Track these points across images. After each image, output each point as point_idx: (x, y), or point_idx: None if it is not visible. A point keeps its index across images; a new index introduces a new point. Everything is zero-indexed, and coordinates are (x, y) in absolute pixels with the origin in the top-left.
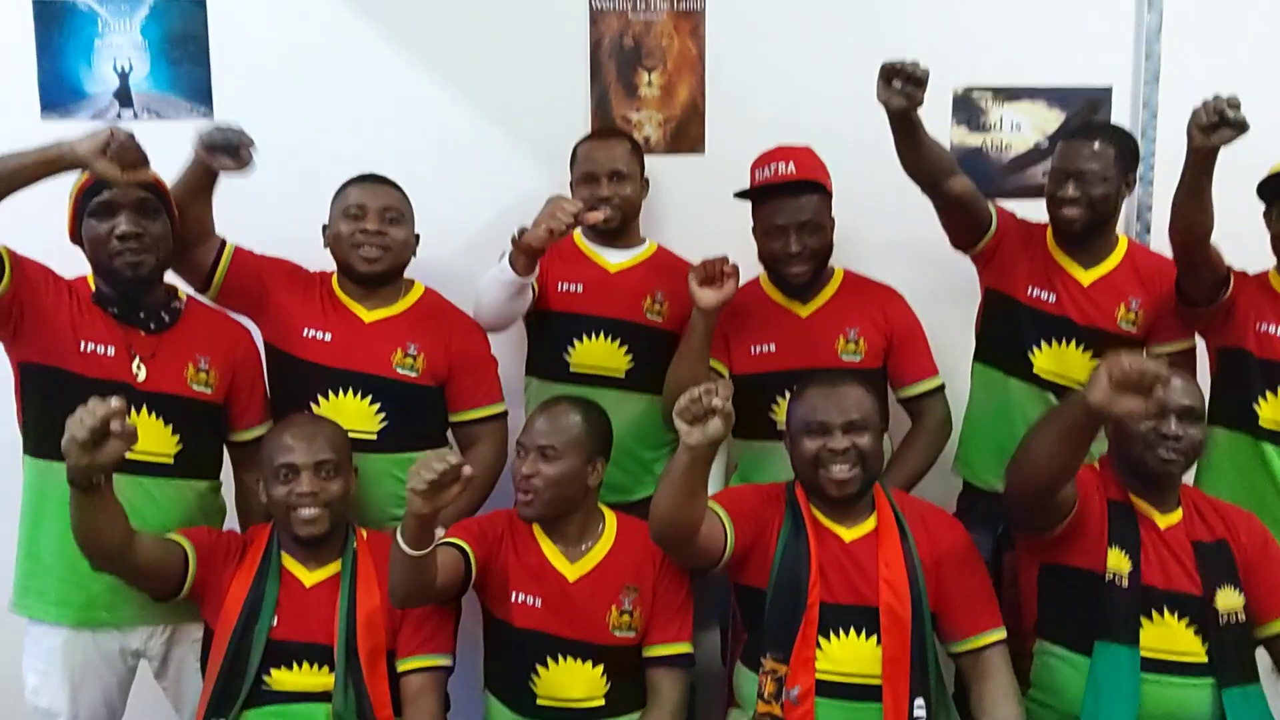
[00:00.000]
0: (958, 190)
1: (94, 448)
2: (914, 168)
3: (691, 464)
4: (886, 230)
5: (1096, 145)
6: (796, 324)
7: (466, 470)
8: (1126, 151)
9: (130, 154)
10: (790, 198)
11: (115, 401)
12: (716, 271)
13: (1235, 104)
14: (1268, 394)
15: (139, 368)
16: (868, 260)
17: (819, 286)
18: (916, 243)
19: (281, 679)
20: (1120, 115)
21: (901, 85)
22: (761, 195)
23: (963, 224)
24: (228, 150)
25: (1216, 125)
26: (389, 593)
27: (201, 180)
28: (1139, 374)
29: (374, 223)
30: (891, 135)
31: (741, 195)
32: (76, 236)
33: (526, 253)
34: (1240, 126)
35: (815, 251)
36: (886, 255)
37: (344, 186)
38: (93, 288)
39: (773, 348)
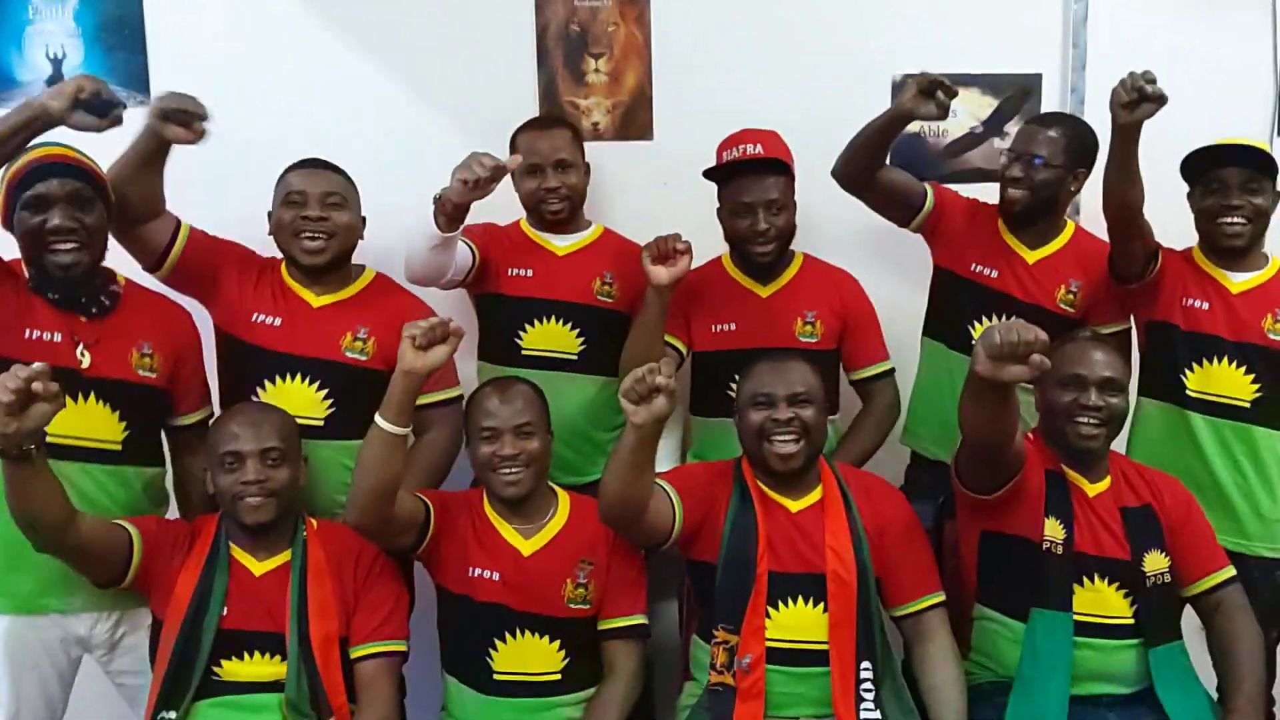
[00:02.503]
0: (884, 181)
1: (19, 412)
2: (863, 168)
3: (638, 442)
4: (833, 213)
5: (1051, 133)
6: (757, 304)
7: (454, 324)
8: (1080, 145)
9: (104, 102)
10: (756, 177)
11: (38, 364)
12: (669, 249)
13: (1151, 79)
14: (1194, 365)
15: (83, 354)
16: (816, 243)
17: (780, 268)
18: (861, 225)
19: (233, 669)
20: (1050, 101)
21: (946, 97)
22: (728, 175)
23: (892, 207)
24: (180, 119)
25: (1137, 101)
26: (348, 505)
27: (153, 151)
28: (1010, 347)
29: (315, 209)
30: (866, 136)
31: (709, 175)
32: (8, 225)
33: (446, 210)
34: (1159, 99)
35: (781, 230)
36: (833, 237)
37: (285, 173)
38: (28, 274)
39: (733, 327)
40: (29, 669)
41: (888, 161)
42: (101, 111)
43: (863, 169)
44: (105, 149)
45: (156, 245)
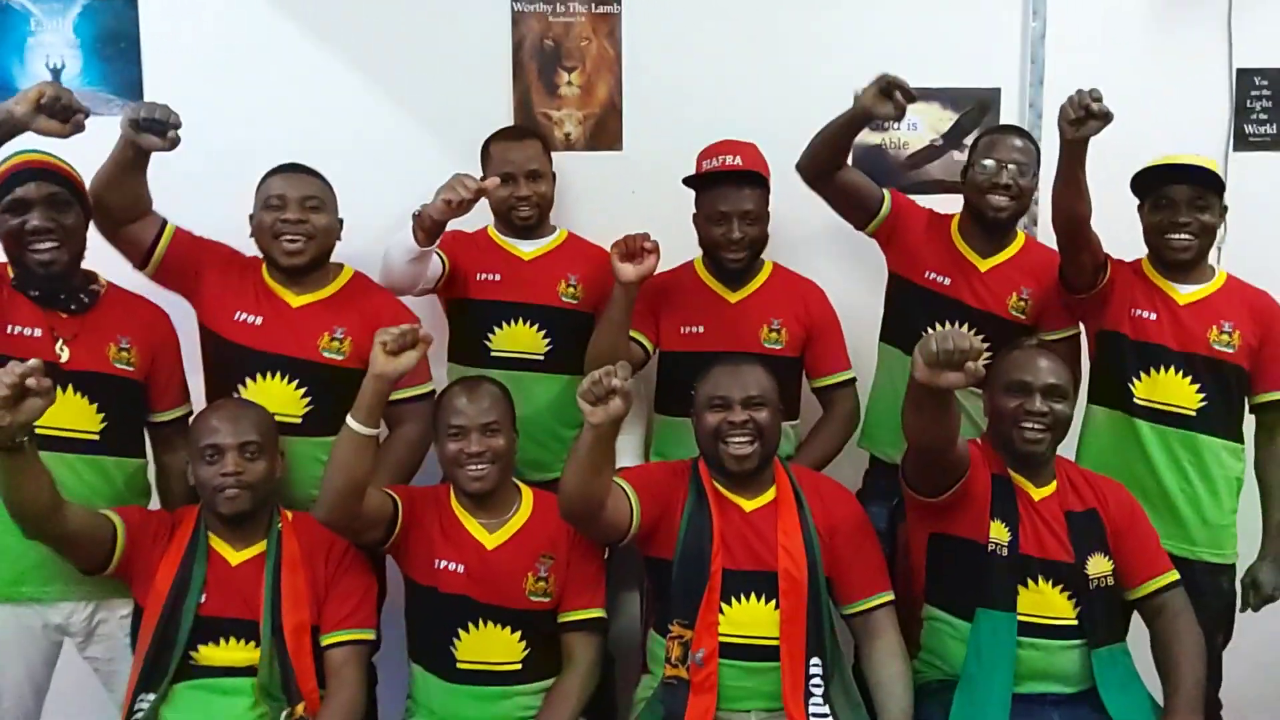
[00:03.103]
0: (844, 180)
1: (14, 405)
2: (825, 164)
3: (596, 442)
4: (795, 220)
5: (1020, 142)
6: (725, 309)
7: (423, 331)
8: (1039, 155)
9: (64, 107)
10: (734, 187)
11: (33, 361)
12: (637, 247)
13: (1097, 97)
14: (1141, 374)
15: (62, 348)
16: (777, 249)
17: (750, 275)
18: (822, 232)
19: (209, 654)
20: (1008, 115)
21: (904, 99)
22: (706, 183)
23: (851, 207)
24: (152, 128)
25: (1084, 118)
26: (318, 502)
27: (130, 158)
28: (946, 355)
29: (294, 212)
30: (827, 134)
31: (689, 182)
32: None
33: (425, 225)
34: (1105, 117)
35: (754, 240)
36: (795, 244)
37: (266, 177)
38: (11, 274)
39: (701, 329)
40: (13, 652)
41: (850, 164)
42: (64, 117)
43: (823, 166)
44: (88, 154)
45: (142, 244)
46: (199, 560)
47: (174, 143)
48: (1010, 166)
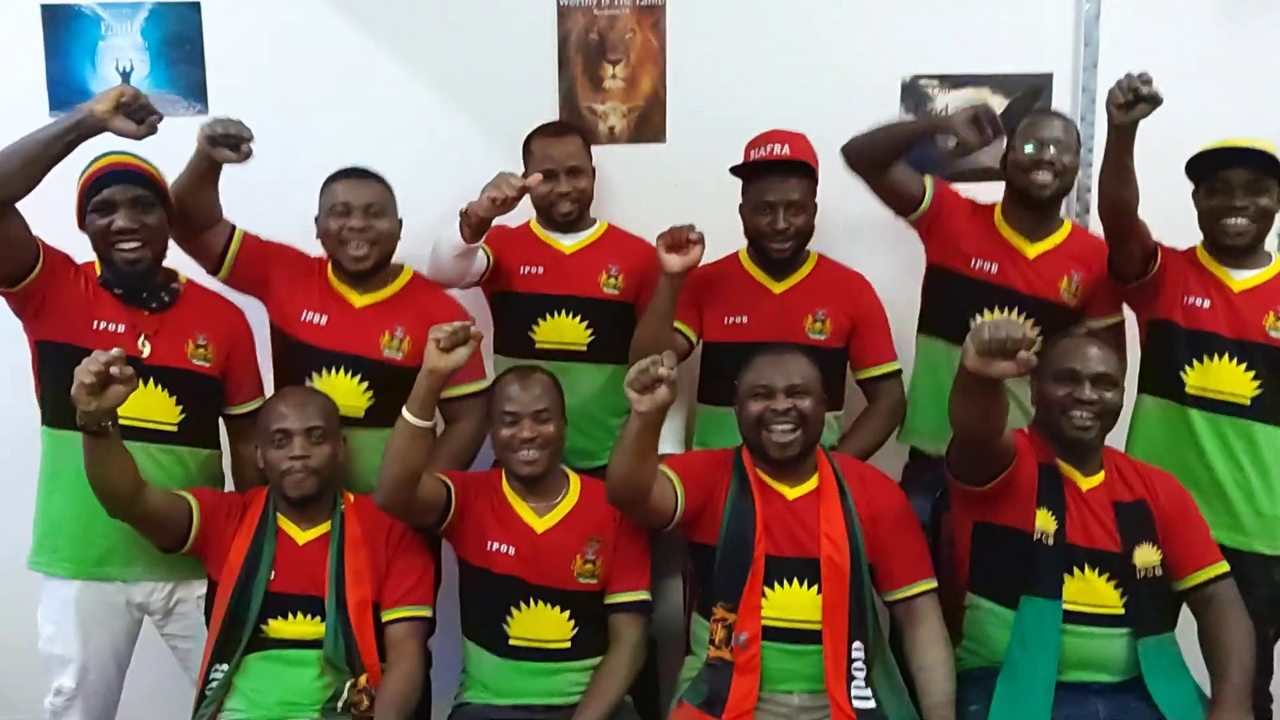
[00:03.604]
0: (894, 175)
1: (100, 391)
2: (880, 160)
3: (642, 429)
4: (835, 211)
5: (1060, 123)
6: (770, 300)
7: (474, 329)
8: (1078, 134)
9: (141, 108)
10: (781, 177)
11: (116, 350)
12: (682, 239)
13: (1147, 80)
14: (1193, 362)
15: (144, 344)
16: (822, 241)
17: (794, 266)
18: (860, 224)
19: (278, 628)
20: (1061, 101)
21: (992, 135)
22: (753, 173)
23: (895, 198)
24: (228, 143)
25: (1133, 102)
26: (376, 488)
27: (205, 169)
28: (999, 343)
29: (359, 219)
30: (894, 134)
31: (736, 171)
32: (82, 226)
33: (471, 222)
34: (1154, 100)
35: (799, 230)
36: (833, 236)
37: (329, 182)
38: (99, 272)
39: (745, 320)
40: (99, 627)
41: None
42: (139, 119)
43: (879, 160)
44: (158, 155)
45: (213, 249)
46: (269, 539)
47: (246, 156)
48: (1051, 147)
